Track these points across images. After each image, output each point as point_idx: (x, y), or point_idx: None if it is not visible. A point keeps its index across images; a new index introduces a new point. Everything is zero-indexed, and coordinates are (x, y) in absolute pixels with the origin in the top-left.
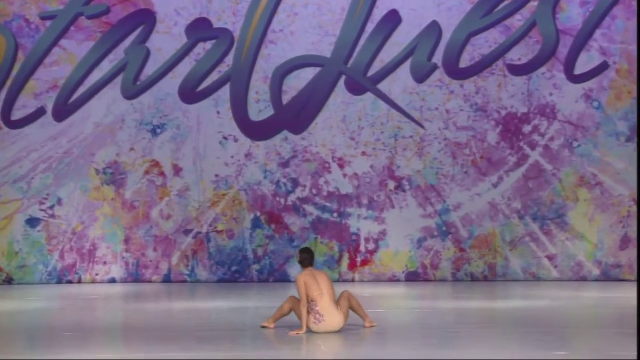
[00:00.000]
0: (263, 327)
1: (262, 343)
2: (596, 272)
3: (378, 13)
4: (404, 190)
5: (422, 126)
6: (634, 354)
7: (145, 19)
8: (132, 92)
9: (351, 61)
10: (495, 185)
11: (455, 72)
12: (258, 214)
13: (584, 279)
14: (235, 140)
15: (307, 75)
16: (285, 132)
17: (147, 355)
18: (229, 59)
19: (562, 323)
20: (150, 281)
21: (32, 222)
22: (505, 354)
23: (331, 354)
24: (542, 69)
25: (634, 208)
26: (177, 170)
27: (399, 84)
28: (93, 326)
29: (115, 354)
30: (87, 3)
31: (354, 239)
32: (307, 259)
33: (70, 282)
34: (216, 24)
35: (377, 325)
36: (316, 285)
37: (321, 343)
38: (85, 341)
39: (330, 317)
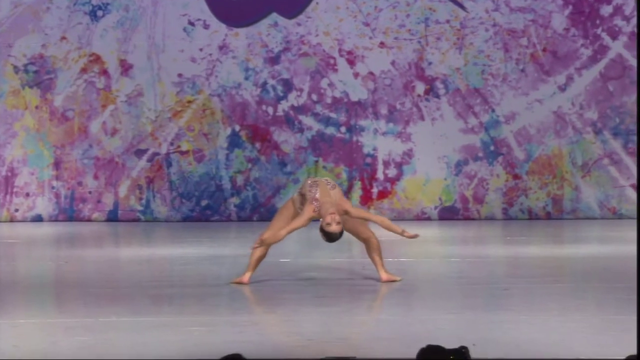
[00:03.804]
0: (236, 283)
1: (242, 305)
2: None
3: None
4: (437, 96)
5: (462, 7)
6: None
7: None
8: None
9: None
10: (562, 89)
11: None
12: (237, 128)
13: None
14: (206, 26)
15: None
16: (274, 16)
17: (84, 318)
18: None
19: None
20: (89, 220)
21: None
22: (574, 317)
23: (336, 319)
24: None
25: None
26: (125, 68)
27: None
28: (11, 281)
29: (41, 317)
30: None
31: (369, 162)
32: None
33: None
34: None
35: (400, 279)
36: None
37: (322, 304)
38: (0, 301)
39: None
